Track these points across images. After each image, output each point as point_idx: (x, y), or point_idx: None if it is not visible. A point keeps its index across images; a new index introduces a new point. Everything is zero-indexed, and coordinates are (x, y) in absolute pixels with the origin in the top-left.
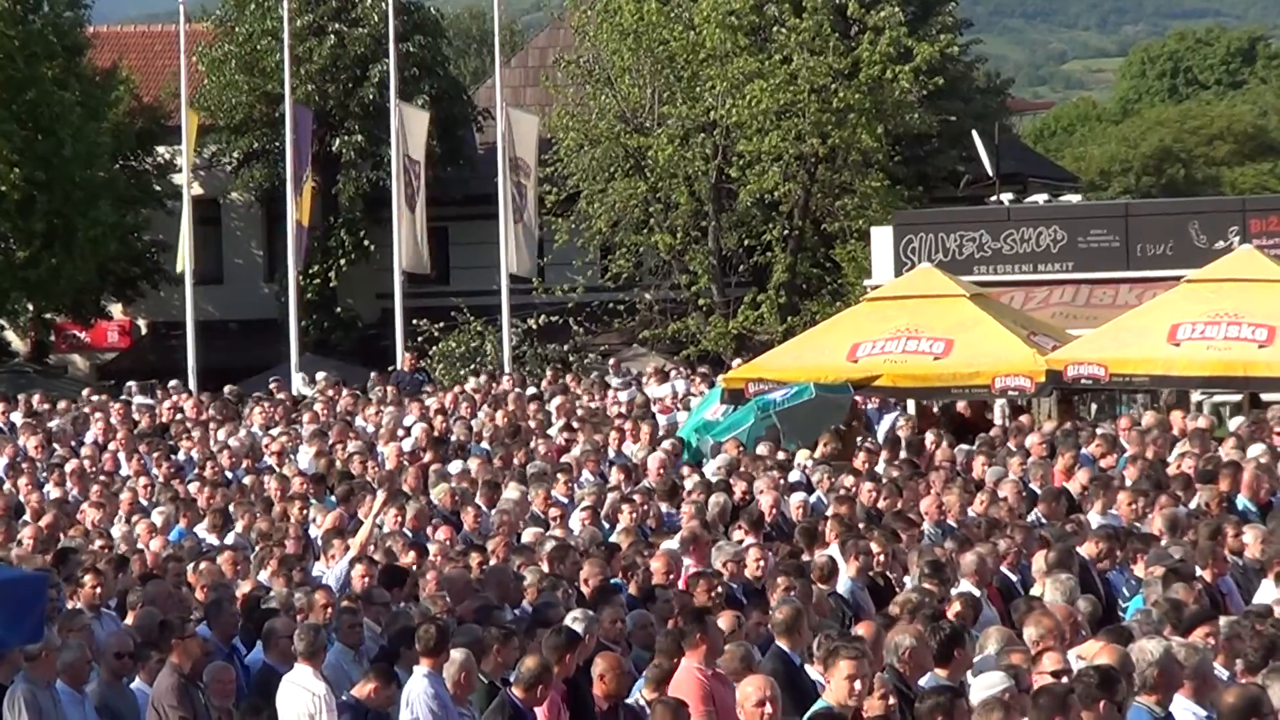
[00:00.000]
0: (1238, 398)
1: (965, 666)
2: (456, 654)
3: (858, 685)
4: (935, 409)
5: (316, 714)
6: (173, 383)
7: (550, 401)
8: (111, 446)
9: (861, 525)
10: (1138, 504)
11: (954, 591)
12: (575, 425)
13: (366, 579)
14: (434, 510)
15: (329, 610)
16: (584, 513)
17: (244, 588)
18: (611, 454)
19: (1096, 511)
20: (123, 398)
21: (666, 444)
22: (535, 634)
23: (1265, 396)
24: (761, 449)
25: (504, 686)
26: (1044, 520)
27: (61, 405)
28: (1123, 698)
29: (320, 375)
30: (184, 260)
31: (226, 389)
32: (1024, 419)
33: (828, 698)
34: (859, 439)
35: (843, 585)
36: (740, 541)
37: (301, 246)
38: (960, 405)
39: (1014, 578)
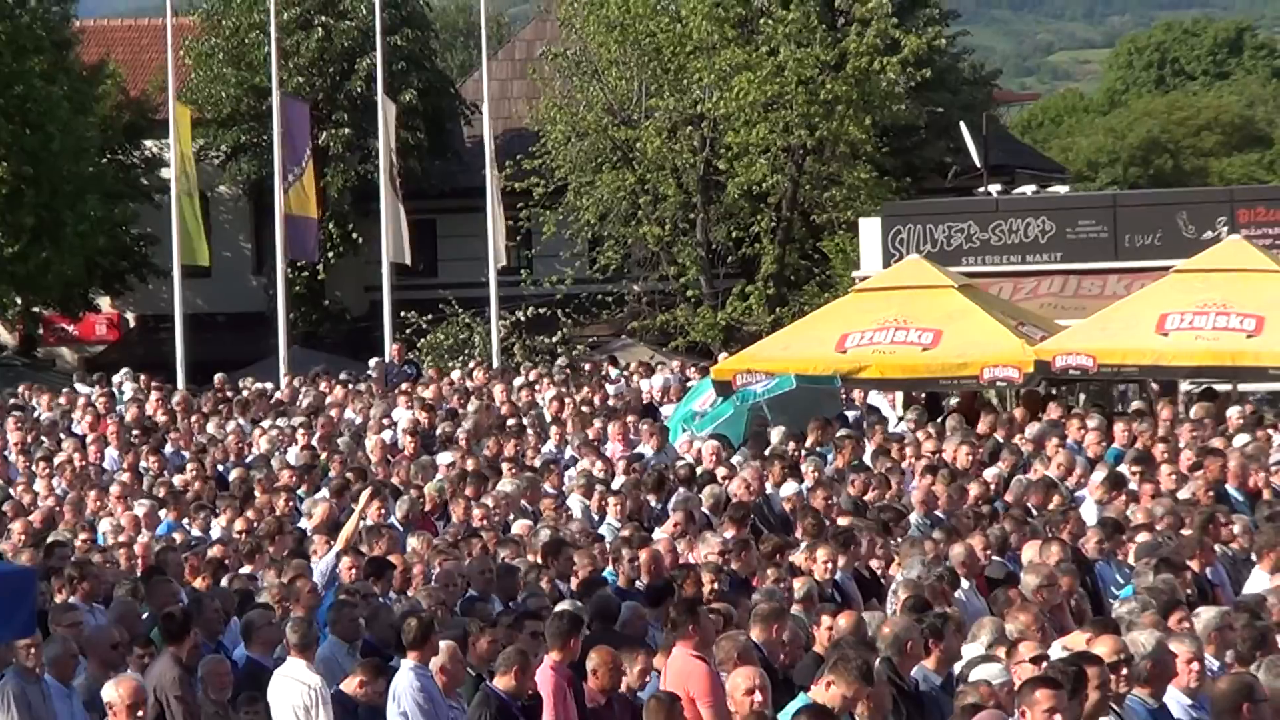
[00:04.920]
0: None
1: (952, 658)
2: (444, 646)
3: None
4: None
5: (312, 707)
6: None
7: (542, 392)
8: (91, 439)
9: (849, 517)
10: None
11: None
12: (566, 418)
13: (354, 571)
14: (420, 505)
15: (313, 596)
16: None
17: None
18: (610, 448)
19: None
20: (108, 389)
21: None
22: (520, 625)
23: (1243, 387)
24: (775, 436)
25: (488, 678)
26: (1035, 511)
27: (45, 398)
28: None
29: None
30: (200, 253)
31: (217, 378)
32: (1017, 412)
33: (814, 695)
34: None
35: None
36: (727, 534)
37: (312, 238)
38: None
39: (1011, 567)
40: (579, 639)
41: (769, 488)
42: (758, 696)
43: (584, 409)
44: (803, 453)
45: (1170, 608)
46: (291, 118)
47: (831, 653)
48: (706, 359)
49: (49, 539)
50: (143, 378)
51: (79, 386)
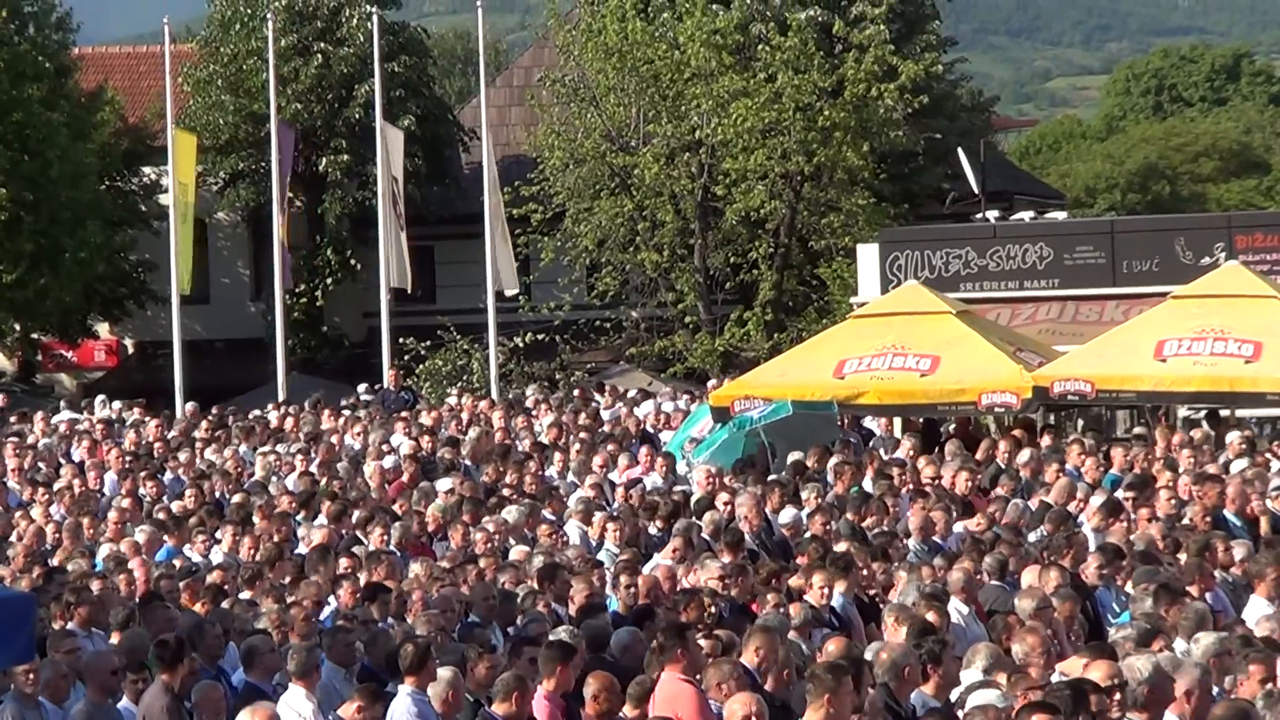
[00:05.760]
0: (1202, 413)
1: (951, 683)
2: (444, 673)
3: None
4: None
5: None
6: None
7: (539, 418)
8: (89, 465)
9: (846, 542)
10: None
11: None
12: (568, 444)
13: (353, 597)
14: (422, 529)
15: (308, 624)
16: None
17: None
18: (615, 476)
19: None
20: (106, 415)
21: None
22: (519, 651)
23: (1241, 412)
24: (793, 457)
25: (486, 704)
26: (1048, 536)
27: (41, 424)
28: (1096, 711)
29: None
30: (183, 280)
31: (188, 407)
32: (1016, 432)
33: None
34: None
35: (834, 601)
36: (725, 560)
37: (286, 265)
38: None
39: (1010, 592)
40: (570, 667)
41: (768, 512)
42: None
43: (583, 435)
44: (801, 479)
45: (1152, 636)
46: (280, 144)
47: (805, 682)
48: (704, 385)
49: (49, 565)
50: (116, 404)
51: (65, 413)
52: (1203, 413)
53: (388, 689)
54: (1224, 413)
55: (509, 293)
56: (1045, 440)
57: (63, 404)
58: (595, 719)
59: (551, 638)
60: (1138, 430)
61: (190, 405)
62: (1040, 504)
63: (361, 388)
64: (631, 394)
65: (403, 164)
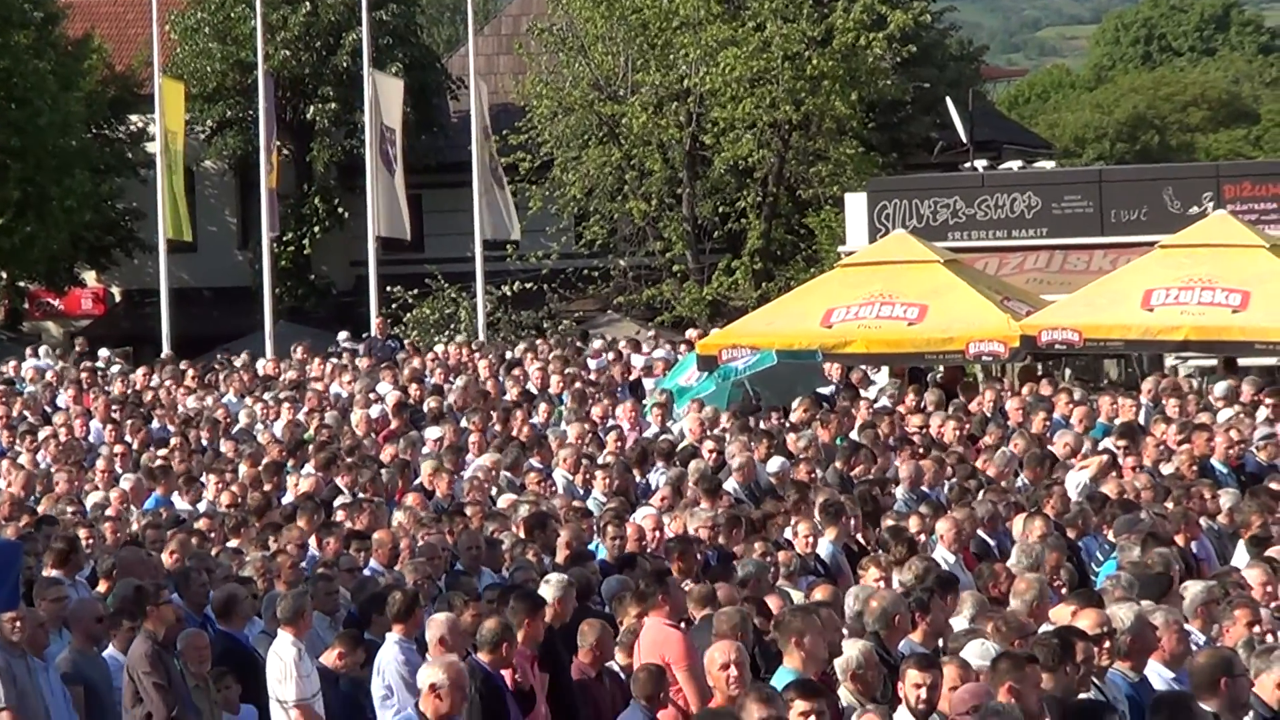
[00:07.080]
0: (1213, 362)
1: (939, 631)
2: (441, 616)
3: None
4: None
5: (283, 679)
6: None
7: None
8: (75, 413)
9: (830, 491)
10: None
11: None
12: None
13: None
14: (413, 476)
15: (294, 570)
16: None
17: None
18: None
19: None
20: (94, 365)
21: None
22: (506, 599)
23: (1241, 361)
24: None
25: (472, 652)
26: (1029, 484)
27: (30, 372)
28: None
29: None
30: (175, 226)
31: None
32: (1004, 384)
33: (787, 666)
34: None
35: (823, 549)
36: (702, 506)
37: (274, 213)
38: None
39: (991, 542)
40: (540, 619)
41: (755, 461)
42: (733, 671)
43: (576, 385)
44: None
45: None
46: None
47: (774, 630)
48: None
49: (36, 513)
50: (103, 352)
51: (30, 360)
52: (1188, 362)
53: (366, 636)
54: (1209, 363)
55: (513, 237)
56: (1044, 389)
57: (28, 353)
58: (589, 666)
59: (530, 588)
60: (1148, 384)
61: (167, 352)
62: (1033, 453)
63: (343, 335)
64: (596, 347)
65: (399, 112)
